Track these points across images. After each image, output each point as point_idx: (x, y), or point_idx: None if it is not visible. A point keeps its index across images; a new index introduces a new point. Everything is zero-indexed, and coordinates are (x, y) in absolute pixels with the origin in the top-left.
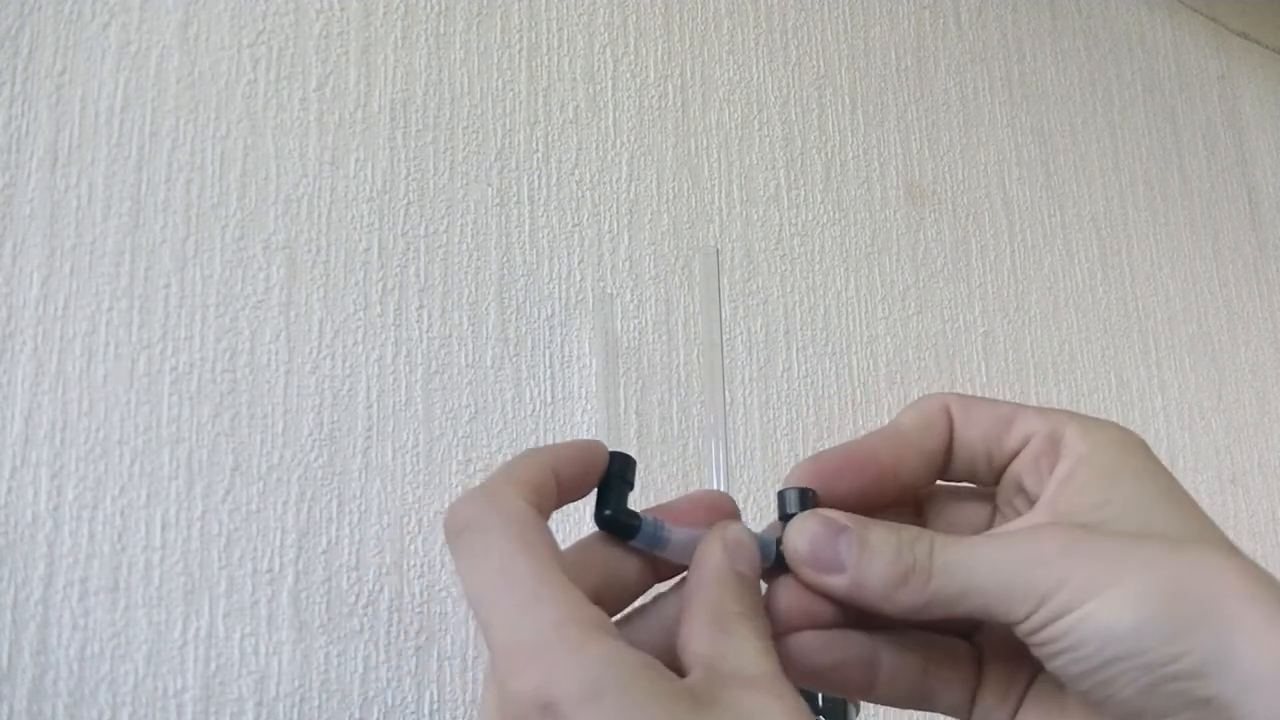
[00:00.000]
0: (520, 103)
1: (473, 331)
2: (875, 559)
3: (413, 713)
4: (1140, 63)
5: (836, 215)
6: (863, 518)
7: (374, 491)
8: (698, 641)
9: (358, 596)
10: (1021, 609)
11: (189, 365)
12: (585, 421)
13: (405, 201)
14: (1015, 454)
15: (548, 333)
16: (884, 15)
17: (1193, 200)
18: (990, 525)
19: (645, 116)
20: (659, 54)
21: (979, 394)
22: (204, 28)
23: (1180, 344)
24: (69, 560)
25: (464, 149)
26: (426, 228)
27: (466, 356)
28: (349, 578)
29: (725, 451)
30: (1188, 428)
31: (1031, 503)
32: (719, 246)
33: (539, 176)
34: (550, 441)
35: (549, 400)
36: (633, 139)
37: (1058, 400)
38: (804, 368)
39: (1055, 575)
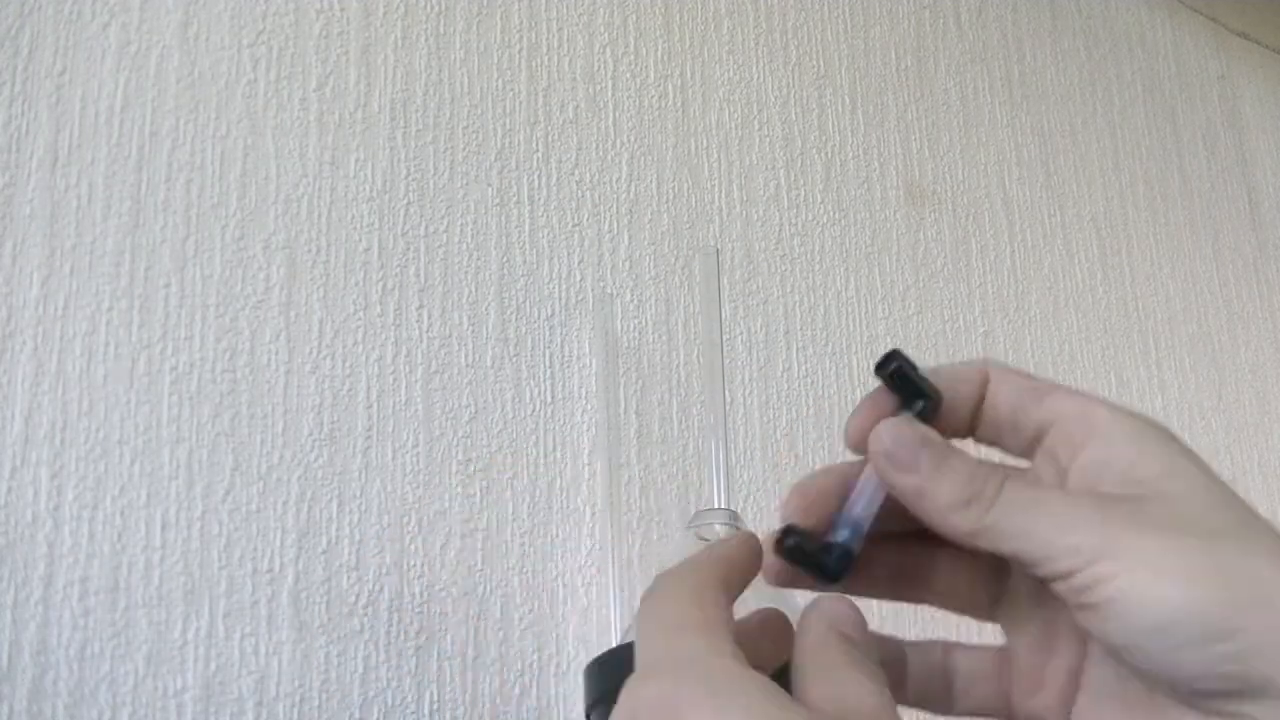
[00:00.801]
0: (520, 103)
1: (473, 331)
2: (947, 475)
3: (413, 713)
4: (1140, 63)
5: (836, 215)
6: (948, 443)
7: (374, 491)
8: (810, 689)
9: (358, 596)
10: (1067, 563)
11: (189, 365)
12: (585, 421)
13: (405, 201)
14: (1043, 429)
15: (548, 333)
16: (884, 15)
17: (1193, 200)
18: None
19: (645, 116)
20: (659, 54)
21: None
22: (204, 28)
23: (1180, 344)
24: (69, 560)
25: (464, 149)
26: (426, 228)
27: (466, 356)
28: (349, 578)
29: (725, 451)
30: (1188, 428)
31: (1064, 480)
32: (719, 246)
33: (539, 176)
34: (550, 444)
35: (549, 400)
36: (633, 139)
37: None
38: (804, 368)
39: (1112, 537)
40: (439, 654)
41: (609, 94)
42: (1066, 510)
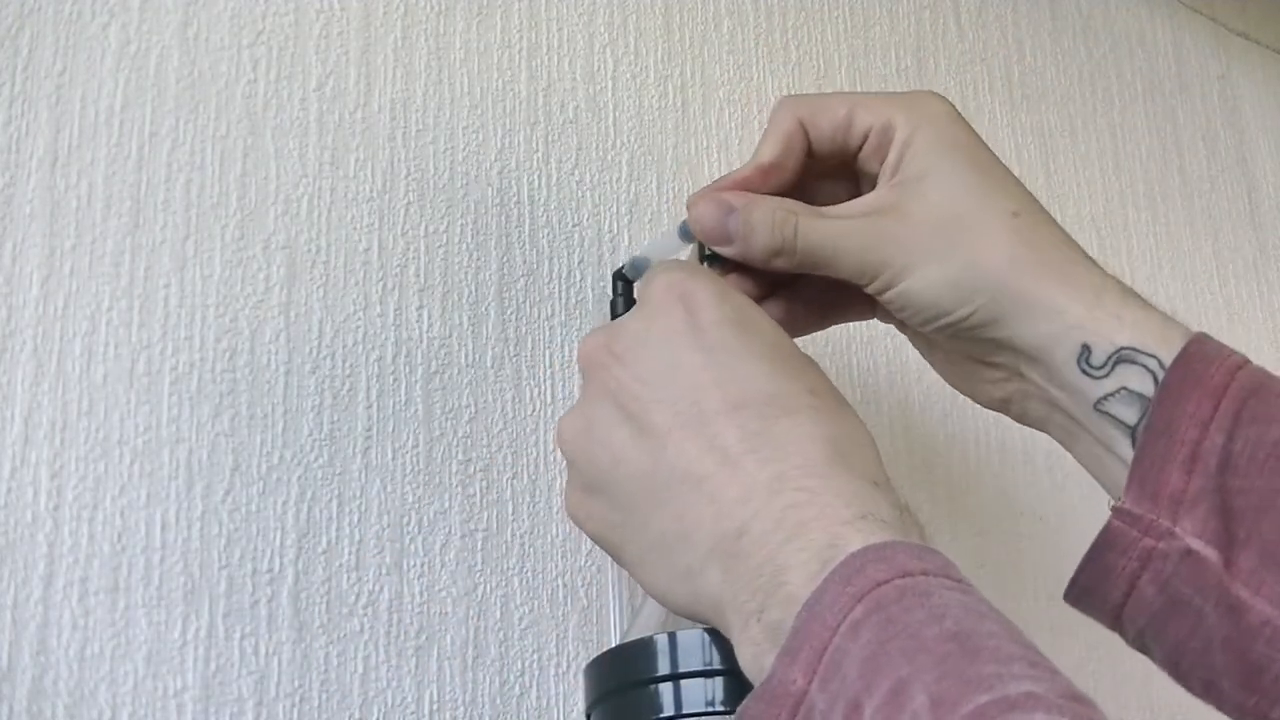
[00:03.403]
0: (520, 103)
1: (473, 331)
2: (755, 235)
3: (413, 713)
4: (1140, 63)
5: None
6: (746, 196)
7: (374, 491)
8: None
9: (358, 596)
10: (862, 279)
11: (189, 365)
12: None
13: (405, 201)
14: (861, 146)
15: (548, 333)
16: (884, 15)
17: (1193, 200)
18: (854, 196)
19: (645, 116)
20: (659, 54)
21: None
22: (204, 28)
23: None
24: (69, 560)
25: (464, 149)
26: (426, 228)
27: (466, 356)
28: (349, 578)
29: None
30: None
31: (873, 184)
32: None
33: (539, 176)
34: (550, 444)
35: (549, 400)
36: (633, 139)
37: None
38: None
39: (881, 259)
40: (439, 654)
41: (609, 94)
42: (851, 239)
